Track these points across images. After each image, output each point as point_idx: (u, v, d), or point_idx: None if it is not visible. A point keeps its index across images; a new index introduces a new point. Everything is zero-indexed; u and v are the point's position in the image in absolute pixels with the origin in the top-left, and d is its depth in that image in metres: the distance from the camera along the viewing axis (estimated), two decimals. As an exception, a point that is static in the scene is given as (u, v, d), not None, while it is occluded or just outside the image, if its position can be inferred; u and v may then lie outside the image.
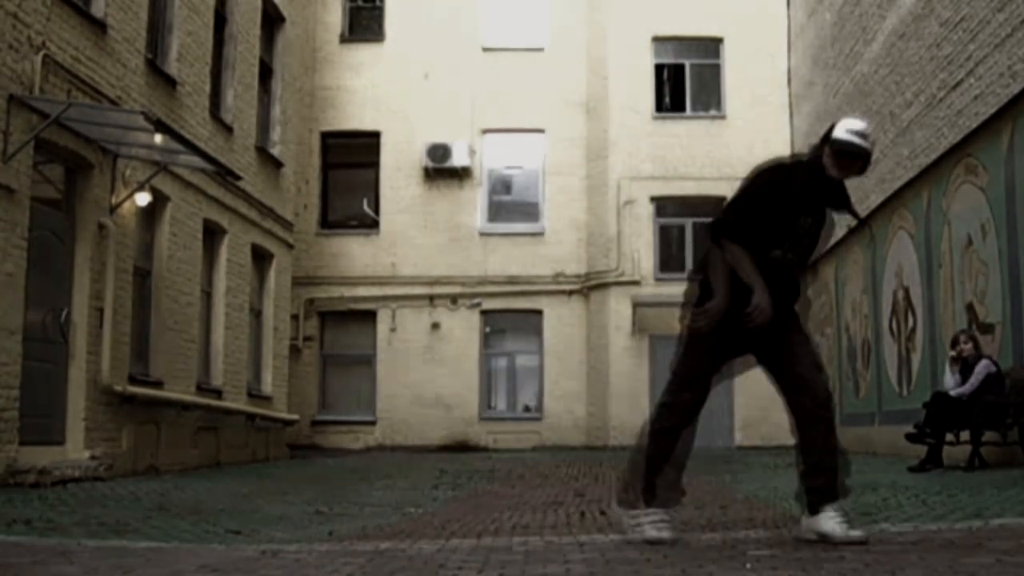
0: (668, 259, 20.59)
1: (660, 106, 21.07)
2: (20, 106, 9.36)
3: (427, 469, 12.83)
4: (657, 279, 20.30)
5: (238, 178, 14.09)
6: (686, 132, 20.61)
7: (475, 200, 21.41)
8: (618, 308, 20.25)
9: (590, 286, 20.86)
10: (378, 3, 21.97)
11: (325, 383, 21.27)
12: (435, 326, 20.96)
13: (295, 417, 18.16)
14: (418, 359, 20.86)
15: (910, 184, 13.60)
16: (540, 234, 21.37)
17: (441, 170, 21.06)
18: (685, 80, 21.15)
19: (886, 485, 8.07)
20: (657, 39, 20.97)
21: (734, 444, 19.23)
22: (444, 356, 20.88)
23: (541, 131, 21.45)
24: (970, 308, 11.65)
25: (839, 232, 13.38)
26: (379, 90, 21.36)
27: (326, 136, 21.65)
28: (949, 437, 10.27)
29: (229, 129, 14.88)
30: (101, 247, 10.91)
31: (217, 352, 14.53)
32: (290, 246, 18.18)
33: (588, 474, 11.67)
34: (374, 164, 21.48)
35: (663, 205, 20.43)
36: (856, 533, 4.43)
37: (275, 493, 9.32)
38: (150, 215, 12.55)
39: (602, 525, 6.06)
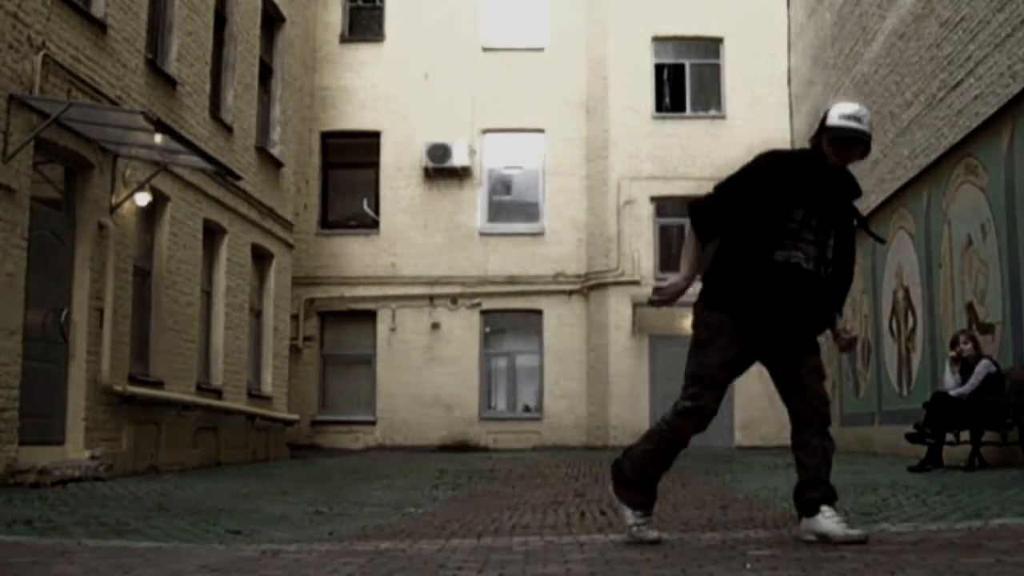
0: (668, 259, 20.56)
1: (660, 106, 21.07)
2: (20, 106, 9.36)
3: (427, 469, 12.83)
4: (657, 279, 20.25)
5: (238, 178, 14.09)
6: (686, 132, 20.61)
7: (475, 200, 21.41)
8: (618, 308, 20.26)
9: (590, 286, 20.87)
10: (378, 3, 21.97)
11: (325, 383, 21.28)
12: (435, 326, 20.97)
13: (295, 417, 18.17)
14: (418, 359, 20.87)
15: (910, 184, 13.60)
16: (540, 234, 21.38)
17: (441, 170, 21.07)
18: (685, 80, 21.15)
19: (886, 485, 8.07)
20: (657, 39, 20.97)
21: (734, 444, 19.23)
22: (444, 356, 20.89)
23: (541, 131, 21.47)
24: (970, 308, 11.65)
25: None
26: (379, 90, 21.37)
27: (326, 136, 21.66)
28: (949, 437, 10.27)
29: (229, 129, 14.88)
30: (101, 247, 10.91)
31: (217, 352, 14.54)
32: (290, 246, 18.18)
33: (588, 474, 11.67)
34: (374, 164, 21.49)
35: (663, 205, 20.43)
36: (855, 532, 4.42)
37: (275, 493, 9.32)
38: (150, 215, 12.55)
39: (602, 525, 6.06)
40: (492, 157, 21.55)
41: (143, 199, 11.88)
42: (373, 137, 21.49)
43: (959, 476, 8.97)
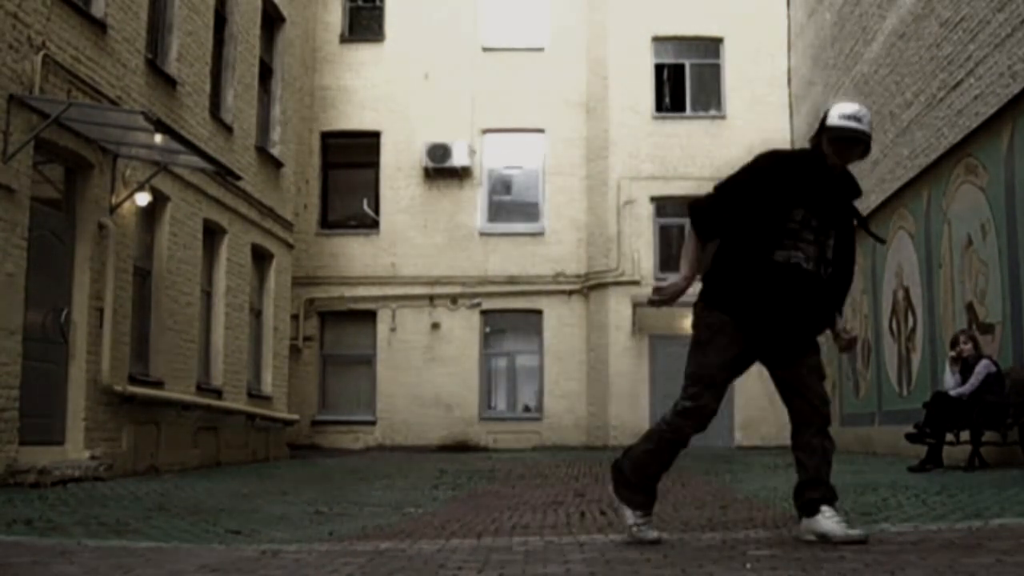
0: (668, 259, 20.55)
1: (660, 106, 21.07)
2: (20, 106, 9.36)
3: (427, 469, 12.83)
4: (657, 279, 20.25)
5: (238, 178, 14.09)
6: (686, 132, 20.61)
7: (475, 200, 21.41)
8: (618, 308, 20.26)
9: (590, 286, 20.87)
10: (378, 3, 21.97)
11: (325, 383, 21.28)
12: (435, 326, 20.97)
13: (295, 417, 18.17)
14: (418, 359, 20.87)
15: (910, 184, 13.60)
16: (540, 234, 21.38)
17: (441, 170, 21.07)
18: (685, 80, 21.16)
19: (886, 485, 8.07)
20: (657, 39, 20.97)
21: (734, 444, 19.23)
22: (444, 356, 20.89)
23: (541, 131, 21.47)
24: (970, 308, 11.65)
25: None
26: (379, 90, 21.38)
27: (326, 136, 21.66)
28: (949, 437, 10.27)
29: (229, 129, 14.88)
30: (101, 247, 10.91)
31: (217, 352, 14.54)
32: (290, 246, 18.18)
33: (588, 474, 11.67)
34: (374, 164, 21.49)
35: (663, 205, 20.42)
36: (855, 532, 4.42)
37: (275, 493, 9.32)
38: (150, 215, 12.55)
39: (602, 525, 6.06)
40: (492, 157, 21.55)
41: (143, 199, 11.88)
42: (373, 137, 21.50)
43: (959, 476, 8.97)
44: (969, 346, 10.37)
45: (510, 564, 4.08)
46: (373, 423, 20.83)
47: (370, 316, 21.14)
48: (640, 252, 20.39)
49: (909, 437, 10.65)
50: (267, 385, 16.80)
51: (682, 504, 7.27)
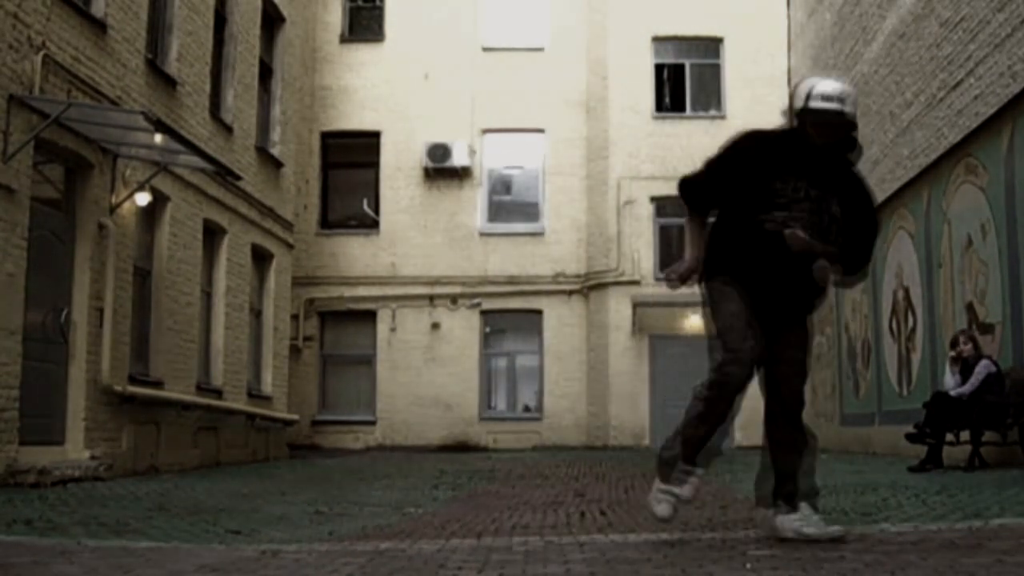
0: (668, 259, 20.53)
1: (660, 106, 21.07)
2: (20, 106, 9.36)
3: (427, 469, 12.82)
4: (657, 279, 20.27)
5: (238, 178, 14.09)
6: (686, 132, 20.57)
7: (475, 200, 21.41)
8: (618, 308, 20.25)
9: (590, 286, 20.87)
10: (378, 3, 21.97)
11: (325, 383, 21.28)
12: (435, 326, 20.97)
13: (295, 417, 18.16)
14: (418, 359, 20.87)
15: (910, 184, 13.60)
16: (540, 234, 21.38)
17: (441, 170, 21.07)
18: (685, 80, 21.16)
19: (886, 485, 8.07)
20: (657, 39, 20.97)
21: (734, 444, 19.21)
22: (444, 356, 20.89)
23: (541, 131, 21.47)
24: (970, 308, 11.65)
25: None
26: (379, 90, 21.37)
27: (326, 136, 21.66)
28: (949, 437, 10.27)
29: (229, 129, 14.88)
30: (101, 247, 10.91)
31: (217, 352, 14.53)
32: (290, 246, 18.18)
33: (588, 474, 11.67)
34: (374, 164, 21.49)
35: (663, 205, 20.40)
36: (834, 529, 4.48)
37: (275, 493, 9.32)
38: (150, 215, 12.54)
39: (602, 525, 6.06)
40: (492, 157, 21.55)
41: (143, 199, 11.88)
42: (373, 137, 21.50)
43: (959, 476, 8.97)
44: (969, 346, 10.37)
45: (510, 564, 4.08)
46: (373, 423, 20.83)
47: (370, 316, 21.15)
48: (640, 252, 20.40)
49: (909, 437, 10.65)
50: (267, 385, 16.80)
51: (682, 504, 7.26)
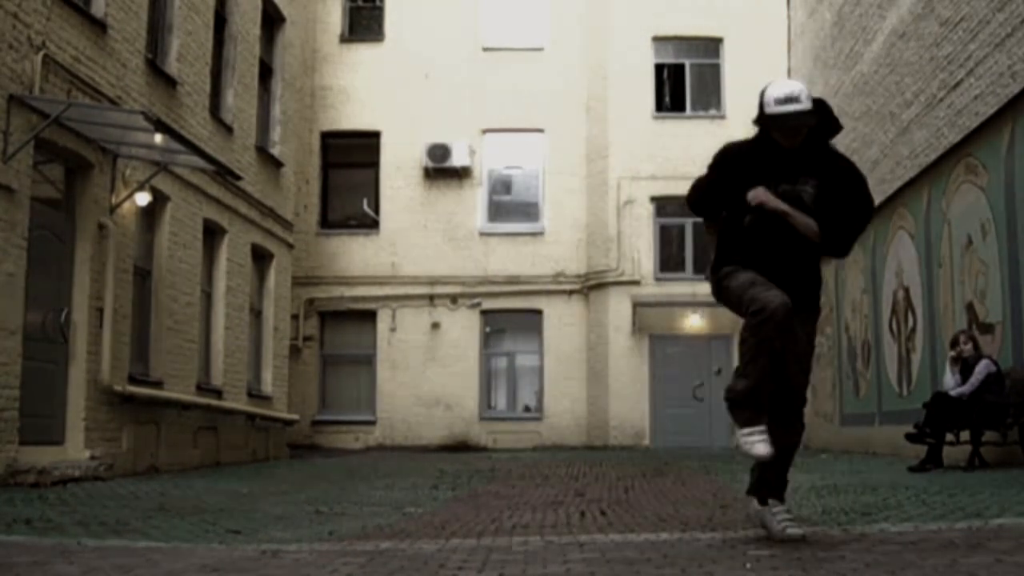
0: (668, 259, 20.60)
1: (660, 106, 21.07)
2: (20, 106, 9.36)
3: (427, 469, 12.82)
4: (657, 279, 20.32)
5: (238, 178, 14.09)
6: (686, 132, 20.57)
7: (475, 200, 21.41)
8: (618, 308, 20.26)
9: (590, 286, 20.87)
10: (378, 3, 21.97)
11: (325, 383, 21.28)
12: (435, 326, 20.97)
13: (295, 417, 18.17)
14: (418, 359, 20.87)
15: (910, 184, 13.60)
16: (540, 234, 21.38)
17: (441, 170, 21.07)
18: (685, 80, 21.16)
19: (886, 485, 8.08)
20: (657, 39, 20.97)
21: (734, 444, 19.22)
22: (444, 356, 20.89)
23: (541, 131, 21.46)
24: (970, 308, 11.65)
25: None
26: (379, 90, 21.37)
27: (326, 136, 21.66)
28: (949, 437, 10.28)
29: (229, 129, 14.88)
30: (101, 247, 10.91)
31: (217, 352, 14.54)
32: (290, 246, 18.18)
33: (588, 474, 11.67)
34: (374, 164, 21.49)
35: (663, 205, 20.42)
36: (795, 531, 4.52)
37: (275, 493, 9.32)
38: (150, 215, 12.55)
39: (602, 525, 6.06)
40: (492, 157, 21.55)
41: (143, 199, 11.88)
42: (373, 137, 21.50)
43: (959, 476, 8.98)
44: (969, 346, 10.38)
45: (510, 564, 4.08)
46: (373, 423, 20.83)
47: (370, 316, 21.15)
48: (640, 252, 20.40)
49: (909, 437, 10.66)
50: (267, 385, 16.80)
51: (682, 504, 7.27)
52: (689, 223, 20.11)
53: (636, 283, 20.24)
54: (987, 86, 11.04)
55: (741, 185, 4.59)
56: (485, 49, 21.49)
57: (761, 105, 4.56)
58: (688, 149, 20.44)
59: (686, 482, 9.43)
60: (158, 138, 10.67)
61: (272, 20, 17.36)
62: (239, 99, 15.31)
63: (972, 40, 11.47)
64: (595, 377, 20.54)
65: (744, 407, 4.48)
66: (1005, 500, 6.34)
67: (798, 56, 20.03)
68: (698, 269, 19.68)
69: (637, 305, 19.96)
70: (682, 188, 18.50)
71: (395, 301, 21.01)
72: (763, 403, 4.50)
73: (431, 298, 21.02)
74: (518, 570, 3.91)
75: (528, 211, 21.67)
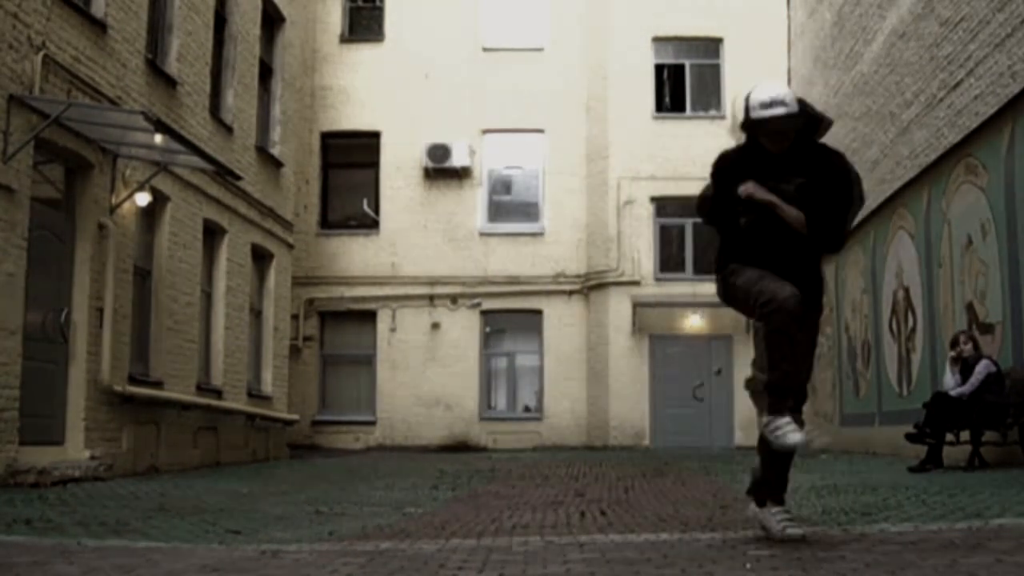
0: (668, 259, 20.60)
1: (660, 106, 21.07)
2: (20, 106, 9.36)
3: (427, 469, 12.82)
4: (657, 279, 20.32)
5: (238, 178, 14.09)
6: (686, 132, 20.59)
7: (475, 200, 21.41)
8: (618, 308, 20.26)
9: (590, 286, 20.86)
10: (378, 3, 21.97)
11: (325, 383, 21.28)
12: (435, 326, 20.97)
13: (295, 417, 18.16)
14: (418, 359, 20.87)
15: (910, 184, 13.60)
16: (540, 234, 21.38)
17: (441, 170, 21.07)
18: (685, 80, 21.16)
19: (886, 485, 8.08)
20: (657, 39, 20.97)
21: (734, 444, 19.23)
22: (444, 356, 20.89)
23: (541, 131, 21.46)
24: (970, 308, 11.65)
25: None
26: (379, 90, 21.37)
27: (326, 136, 21.66)
28: (949, 437, 10.27)
29: (229, 129, 14.88)
30: (101, 247, 10.91)
31: (217, 352, 14.54)
32: (290, 246, 18.18)
33: (588, 474, 11.67)
34: (374, 164, 21.49)
35: (663, 205, 20.43)
36: (795, 531, 4.53)
37: (275, 493, 9.32)
38: (150, 215, 12.55)
39: (602, 525, 6.06)
40: (492, 157, 21.55)
41: (143, 199, 11.88)
42: (373, 137, 21.50)
43: (959, 476, 8.97)
44: (969, 346, 10.38)
45: (510, 564, 4.08)
46: (373, 423, 20.83)
47: (370, 316, 21.15)
48: (640, 252, 20.40)
49: (909, 437, 10.65)
50: (267, 385, 16.80)
51: (682, 504, 7.27)
52: (689, 223, 20.12)
53: (636, 283, 20.24)
54: (987, 86, 11.04)
55: (728, 188, 4.63)
56: (485, 49, 21.49)
57: (746, 110, 4.56)
58: (688, 149, 20.48)
59: (686, 482, 9.43)
60: (158, 138, 10.67)
61: (272, 20, 17.36)
62: (239, 99, 15.31)
63: (972, 40, 11.47)
64: (595, 377, 20.54)
65: (784, 396, 4.44)
66: (1005, 500, 6.33)
67: (798, 56, 20.03)
68: (698, 269, 19.69)
69: (637, 305, 19.96)
70: (682, 188, 18.59)
71: (395, 301, 21.01)
72: (791, 394, 4.50)
73: (431, 298, 21.02)
74: (518, 570, 3.91)
75: (528, 211, 21.67)
